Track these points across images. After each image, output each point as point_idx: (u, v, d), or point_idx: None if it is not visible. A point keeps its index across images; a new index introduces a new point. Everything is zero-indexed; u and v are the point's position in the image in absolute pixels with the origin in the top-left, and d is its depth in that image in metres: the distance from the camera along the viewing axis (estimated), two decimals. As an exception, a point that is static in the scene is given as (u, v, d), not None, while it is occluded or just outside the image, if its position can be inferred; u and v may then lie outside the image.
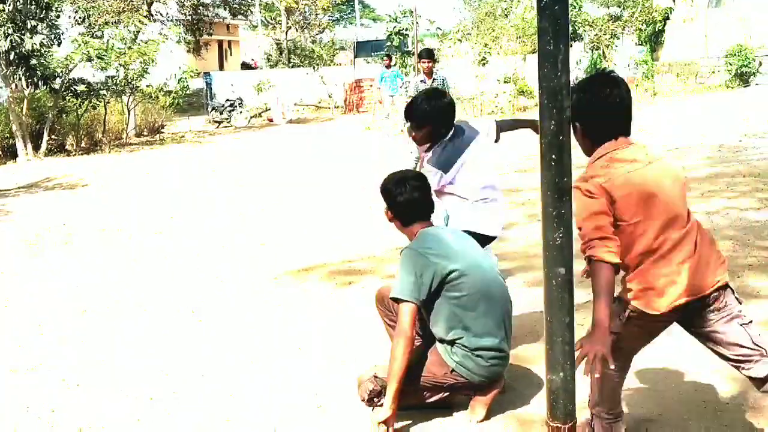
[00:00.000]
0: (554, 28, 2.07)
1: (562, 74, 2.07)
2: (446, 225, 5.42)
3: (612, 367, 3.11)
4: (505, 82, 27.16)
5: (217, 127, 29.77)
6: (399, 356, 4.21)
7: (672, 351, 5.31)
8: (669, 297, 3.44)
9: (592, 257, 3.19)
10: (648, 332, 3.72)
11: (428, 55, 12.34)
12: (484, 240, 5.24)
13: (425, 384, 4.42)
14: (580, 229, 3.21)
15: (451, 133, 5.33)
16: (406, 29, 32.11)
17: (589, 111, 3.31)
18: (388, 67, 24.70)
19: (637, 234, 3.39)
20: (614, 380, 3.70)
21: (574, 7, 31.16)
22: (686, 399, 4.55)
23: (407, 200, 4.55)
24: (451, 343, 4.37)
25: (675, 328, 5.63)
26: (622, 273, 3.48)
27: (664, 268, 3.44)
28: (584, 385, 4.24)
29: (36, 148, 22.14)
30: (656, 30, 30.45)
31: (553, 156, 2.11)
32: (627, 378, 4.83)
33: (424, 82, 11.98)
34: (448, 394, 4.50)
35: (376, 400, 4.47)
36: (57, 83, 23.00)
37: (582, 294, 6.37)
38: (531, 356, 5.32)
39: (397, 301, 4.34)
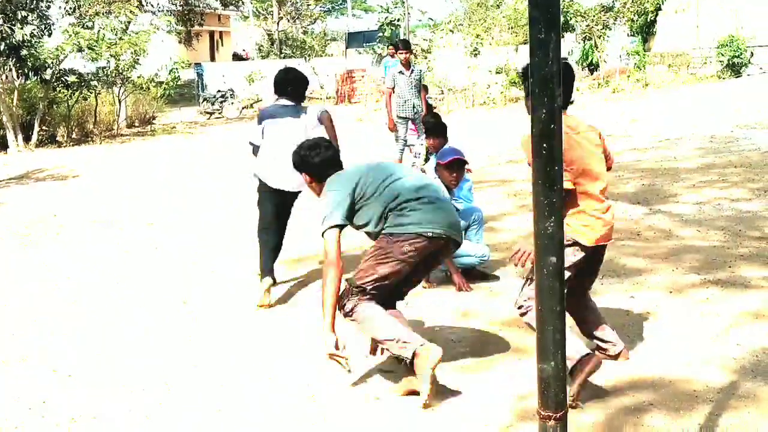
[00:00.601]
0: (545, 16, 2.07)
1: (553, 63, 2.07)
2: None
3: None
4: (497, 72, 27.15)
5: (209, 118, 29.69)
6: (329, 284, 4.60)
7: (663, 342, 5.34)
8: (597, 234, 4.48)
9: None
10: (575, 265, 4.51)
11: (405, 45, 12.33)
12: None
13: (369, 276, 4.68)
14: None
15: None
16: (398, 20, 32.11)
17: None
18: (393, 56, 24.68)
19: (577, 180, 4.36)
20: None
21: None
22: (677, 388, 4.57)
23: (322, 159, 5.06)
24: (381, 230, 4.75)
25: (666, 322, 5.66)
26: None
27: (596, 212, 4.48)
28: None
29: (27, 139, 22.04)
30: (648, 20, 30.44)
31: (544, 145, 2.11)
32: (618, 367, 4.87)
33: (403, 74, 11.98)
34: (400, 266, 4.65)
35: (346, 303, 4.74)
36: (48, 74, 22.88)
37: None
38: (521, 346, 5.33)
39: (323, 235, 4.72)
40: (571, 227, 4.38)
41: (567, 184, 4.13)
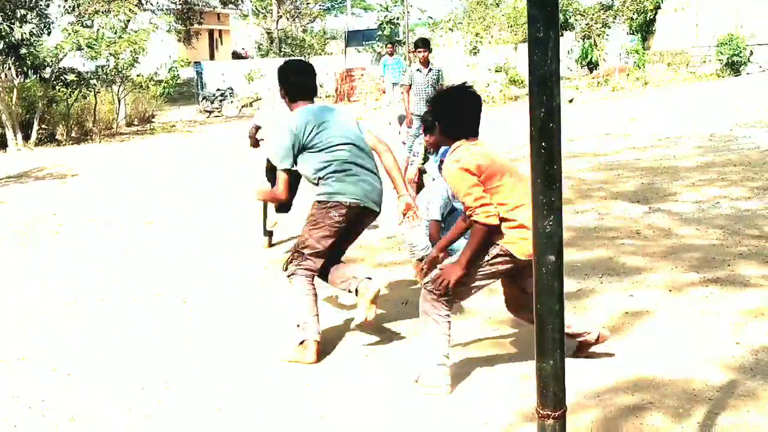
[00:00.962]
0: (544, 15, 2.06)
1: (552, 62, 2.07)
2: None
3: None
4: (496, 71, 27.14)
5: (208, 117, 29.69)
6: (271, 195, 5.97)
7: (662, 340, 5.34)
8: (530, 249, 4.15)
9: (476, 222, 4.39)
10: (501, 273, 4.67)
11: (424, 44, 12.20)
12: None
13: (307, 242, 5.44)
14: (463, 203, 4.47)
15: None
16: (397, 18, 32.11)
17: (450, 114, 4.69)
18: (391, 55, 24.68)
19: (508, 192, 4.49)
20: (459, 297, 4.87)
21: (566, -4, 31.17)
22: (677, 387, 4.57)
23: (297, 81, 5.71)
24: (320, 179, 5.39)
25: (665, 320, 5.66)
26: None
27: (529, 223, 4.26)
28: (573, 372, 4.26)
29: (26, 137, 22.03)
30: (647, 19, 30.41)
31: (543, 144, 2.11)
32: (618, 367, 4.88)
33: (420, 71, 11.90)
34: (330, 231, 5.40)
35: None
36: (47, 73, 22.88)
37: (572, 283, 6.42)
38: (520, 345, 5.34)
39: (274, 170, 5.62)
40: (507, 237, 4.52)
41: (493, 220, 4.44)
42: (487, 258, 4.55)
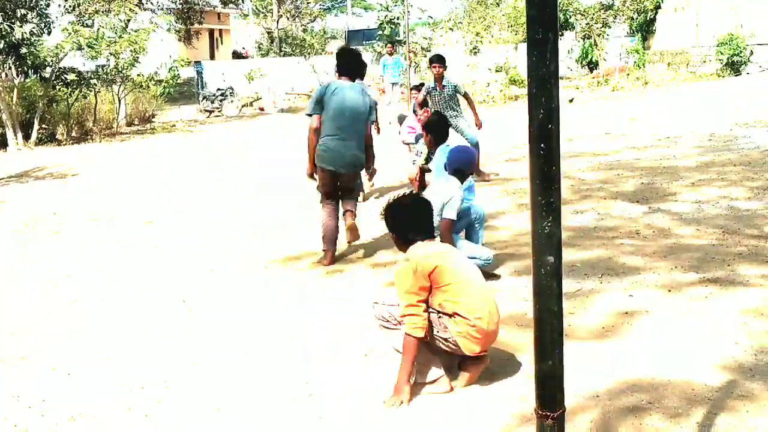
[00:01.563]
0: (543, 16, 2.06)
1: (551, 63, 2.07)
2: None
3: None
4: (496, 71, 27.12)
5: (208, 117, 29.66)
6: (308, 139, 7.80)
7: (661, 341, 5.35)
8: (479, 346, 4.72)
9: (407, 332, 4.58)
10: (452, 352, 4.80)
11: (438, 60, 11.80)
12: None
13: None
14: (399, 304, 4.70)
15: None
16: (398, 18, 32.07)
17: (402, 223, 4.93)
18: (391, 54, 24.66)
19: (459, 291, 4.65)
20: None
21: (566, -4, 31.16)
22: (676, 388, 4.57)
23: (343, 62, 7.95)
24: (320, 138, 7.74)
25: (665, 321, 5.67)
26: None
27: (483, 323, 4.67)
28: (572, 373, 4.26)
29: (26, 137, 22.03)
30: (648, 19, 30.39)
31: (542, 145, 2.11)
32: (617, 367, 4.88)
33: (435, 89, 11.66)
34: (324, 182, 7.89)
35: None
36: (47, 72, 22.87)
37: (571, 283, 6.42)
38: (520, 345, 5.33)
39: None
40: (460, 329, 4.68)
41: (418, 333, 4.62)
42: (442, 336, 4.72)
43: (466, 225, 7.22)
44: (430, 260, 4.65)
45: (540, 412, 2.28)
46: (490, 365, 4.97)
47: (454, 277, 4.68)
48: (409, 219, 4.91)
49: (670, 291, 6.27)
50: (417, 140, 12.51)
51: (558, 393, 2.26)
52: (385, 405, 4.59)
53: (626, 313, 5.88)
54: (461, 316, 4.63)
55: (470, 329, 4.64)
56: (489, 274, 7.12)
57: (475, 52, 28.18)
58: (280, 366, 5.35)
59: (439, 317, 4.67)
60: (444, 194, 6.54)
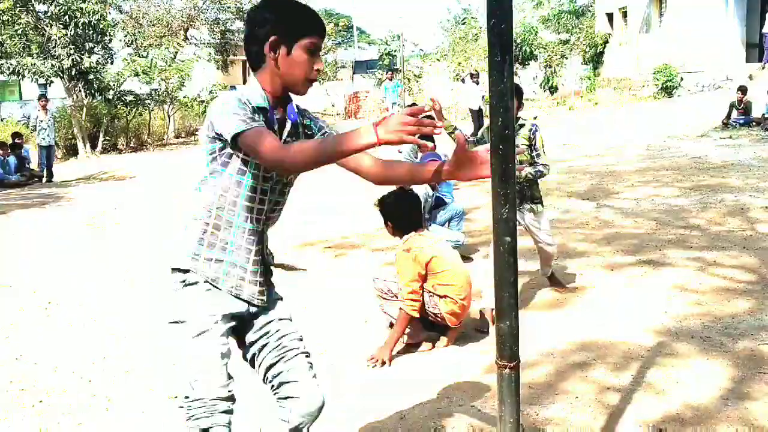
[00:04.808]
0: (501, 42, 2.08)
1: (507, 80, 2.08)
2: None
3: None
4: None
5: (241, 131, 29.66)
6: None
7: (605, 310, 5.36)
8: (460, 319, 4.81)
9: (403, 308, 4.54)
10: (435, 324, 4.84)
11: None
12: None
13: None
14: (400, 288, 4.59)
15: None
16: (395, 51, 32.05)
17: (397, 215, 4.79)
18: (390, 80, 24.72)
19: (450, 276, 4.64)
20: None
21: (531, 33, 31.13)
22: (617, 348, 4.59)
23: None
24: None
25: (608, 294, 5.65)
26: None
27: (466, 302, 4.79)
28: (530, 337, 4.25)
29: (93, 147, 22.15)
30: (598, 51, 30.30)
31: (500, 146, 2.12)
32: (569, 331, 4.89)
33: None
34: None
35: None
36: (110, 94, 22.93)
37: (532, 264, 6.42)
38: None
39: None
40: (447, 308, 4.69)
41: (415, 313, 4.59)
42: (433, 311, 4.71)
43: (448, 219, 7.23)
44: (426, 252, 4.61)
45: (500, 363, 2.29)
46: (465, 330, 4.99)
47: (446, 266, 4.67)
48: (402, 210, 4.83)
49: (612, 270, 6.28)
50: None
51: (514, 347, 2.27)
52: (367, 362, 4.57)
53: (577, 287, 5.89)
54: (450, 297, 4.65)
55: (455, 308, 4.67)
56: (463, 256, 7.13)
57: (458, 79, 28.10)
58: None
59: (431, 297, 4.66)
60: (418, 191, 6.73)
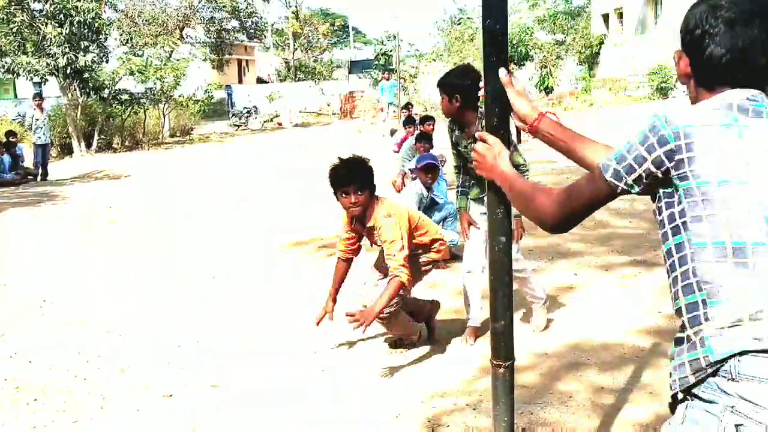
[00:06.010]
0: (496, 45, 2.09)
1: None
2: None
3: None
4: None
5: (236, 130, 29.62)
6: None
7: (599, 310, 5.36)
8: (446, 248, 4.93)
9: (398, 275, 4.28)
10: (427, 271, 4.88)
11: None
12: None
13: None
14: (393, 256, 4.31)
15: None
16: (391, 51, 32.02)
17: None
18: (387, 79, 24.71)
19: (425, 226, 4.70)
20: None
21: (527, 33, 31.13)
22: (611, 348, 4.59)
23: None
24: None
25: (602, 294, 5.65)
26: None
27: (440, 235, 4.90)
28: (525, 336, 4.26)
29: (88, 145, 22.10)
30: (593, 52, 30.34)
31: (496, 146, 2.13)
32: (563, 331, 4.90)
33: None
34: None
35: None
36: (105, 93, 22.93)
37: (527, 263, 6.40)
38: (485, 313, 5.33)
39: None
40: (431, 254, 4.77)
41: (407, 281, 4.37)
42: (425, 261, 4.75)
43: (443, 218, 7.23)
44: (403, 213, 4.52)
45: (494, 362, 2.30)
46: (458, 329, 4.99)
47: (415, 215, 4.75)
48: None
49: (606, 270, 6.29)
50: (392, 134, 12.57)
51: (509, 347, 2.28)
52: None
53: (571, 287, 5.90)
54: (435, 239, 4.73)
55: (441, 246, 4.76)
56: (457, 256, 7.14)
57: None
58: (279, 365, 5.34)
59: (420, 252, 4.68)
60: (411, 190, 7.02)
